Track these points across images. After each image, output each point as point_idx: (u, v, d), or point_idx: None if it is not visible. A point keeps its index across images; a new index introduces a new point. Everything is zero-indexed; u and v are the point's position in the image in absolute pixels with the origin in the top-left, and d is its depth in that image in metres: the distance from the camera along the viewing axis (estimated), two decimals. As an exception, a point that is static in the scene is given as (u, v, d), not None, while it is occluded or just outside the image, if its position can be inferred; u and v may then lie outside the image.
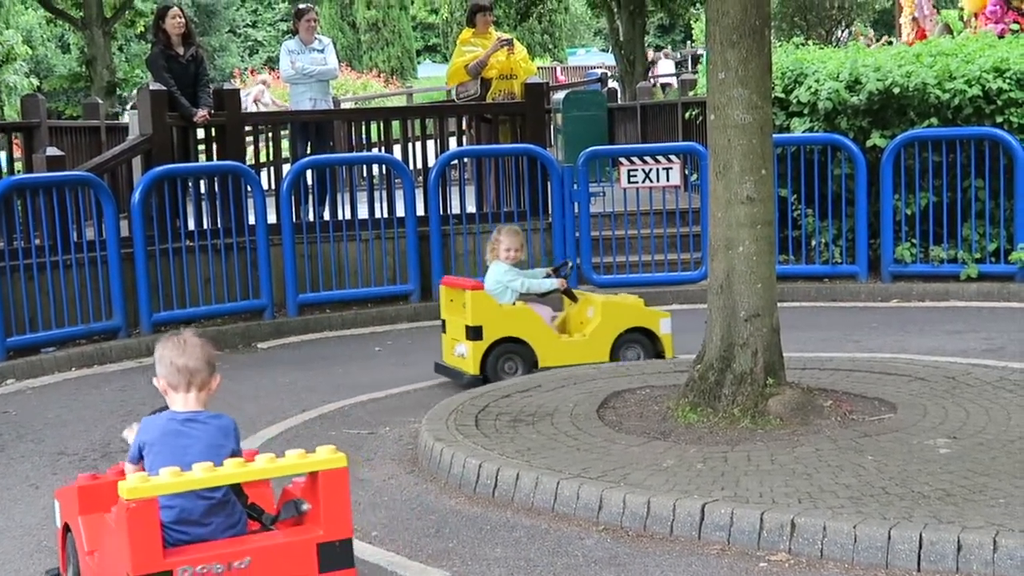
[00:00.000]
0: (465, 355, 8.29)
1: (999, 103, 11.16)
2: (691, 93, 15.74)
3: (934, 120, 11.33)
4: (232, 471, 4.22)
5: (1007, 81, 11.12)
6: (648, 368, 7.98)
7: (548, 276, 8.62)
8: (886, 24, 26.34)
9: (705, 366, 6.76)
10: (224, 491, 4.33)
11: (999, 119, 11.15)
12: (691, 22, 35.74)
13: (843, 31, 23.94)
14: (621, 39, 21.94)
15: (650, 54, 38.09)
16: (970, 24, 22.31)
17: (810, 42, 15.60)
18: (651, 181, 11.84)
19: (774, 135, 10.69)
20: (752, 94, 6.64)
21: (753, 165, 6.68)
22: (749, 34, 6.62)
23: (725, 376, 6.66)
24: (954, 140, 11.19)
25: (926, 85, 11.27)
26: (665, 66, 33.11)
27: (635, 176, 11.81)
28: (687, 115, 14.41)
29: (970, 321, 10.11)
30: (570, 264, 9.50)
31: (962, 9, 23.87)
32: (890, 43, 19.77)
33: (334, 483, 4.33)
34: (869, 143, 11.47)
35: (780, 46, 13.82)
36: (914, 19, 25.19)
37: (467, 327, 8.23)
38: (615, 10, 22.26)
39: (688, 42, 44.27)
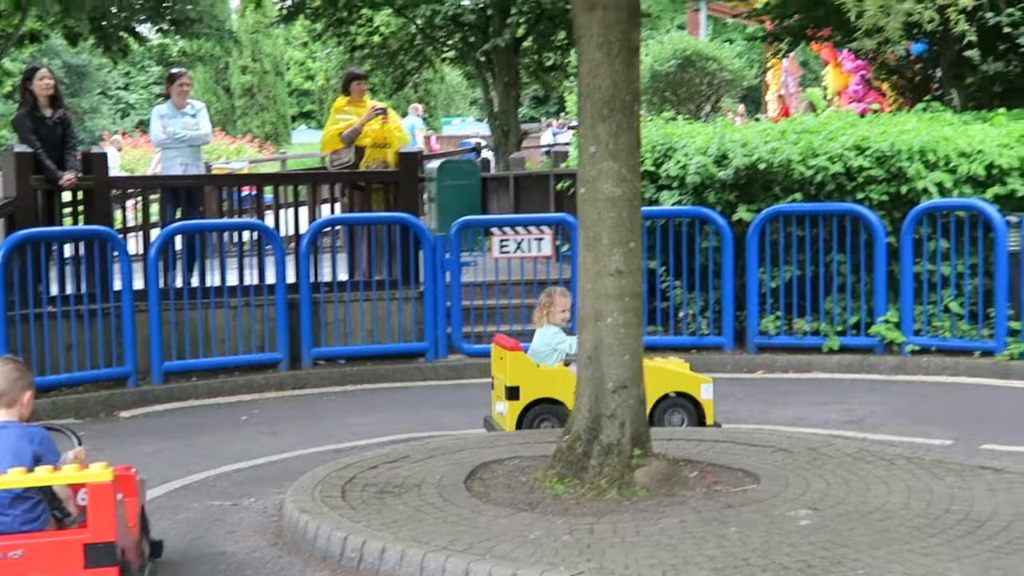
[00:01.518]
0: (504, 413, 8.49)
1: (860, 180, 11.48)
2: (563, 165, 15.92)
3: (798, 195, 11.61)
4: (11, 477, 5.03)
5: (867, 159, 11.46)
6: (518, 439, 7.98)
7: None
8: (754, 100, 27.05)
9: (573, 437, 6.79)
10: (28, 488, 5.14)
11: (860, 195, 11.47)
12: (565, 94, 36.23)
13: (712, 106, 24.49)
14: (495, 109, 22.14)
15: (552, 122, 38.55)
16: (833, 102, 23.03)
17: (680, 117, 15.93)
18: (523, 251, 11.92)
19: (644, 208, 10.83)
20: (622, 168, 6.74)
21: (622, 238, 6.76)
22: (620, 109, 6.74)
23: (592, 447, 6.69)
24: (817, 215, 11.49)
25: (791, 161, 11.56)
26: (547, 137, 33.59)
27: (507, 246, 11.88)
28: (559, 186, 14.55)
29: (832, 392, 10.33)
30: None
31: (826, 88, 24.67)
32: (757, 119, 20.30)
33: (101, 494, 5.11)
34: (736, 217, 11.71)
35: (650, 120, 14.08)
36: (780, 96, 25.96)
37: (506, 387, 8.41)
38: (490, 81, 22.49)
39: (562, 114, 44.86)
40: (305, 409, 10.27)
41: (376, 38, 23.55)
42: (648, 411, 8.29)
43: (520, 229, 11.95)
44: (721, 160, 11.84)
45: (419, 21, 22.01)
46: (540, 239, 11.90)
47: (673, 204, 11.90)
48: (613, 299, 6.73)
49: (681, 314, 11.95)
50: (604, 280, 6.74)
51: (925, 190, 11.30)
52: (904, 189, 11.39)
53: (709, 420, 8.63)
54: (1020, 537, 5.76)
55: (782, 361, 11.45)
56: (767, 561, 5.42)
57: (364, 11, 22.57)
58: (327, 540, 6.03)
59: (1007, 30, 15.07)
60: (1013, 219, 10.89)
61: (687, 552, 5.57)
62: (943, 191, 11.32)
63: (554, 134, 33.87)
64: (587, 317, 6.82)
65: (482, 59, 21.99)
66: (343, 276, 12.05)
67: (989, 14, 15.00)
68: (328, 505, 6.48)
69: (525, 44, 22.19)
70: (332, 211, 13.94)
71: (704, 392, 8.61)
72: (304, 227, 12.23)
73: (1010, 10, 15.01)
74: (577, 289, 7.10)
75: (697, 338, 11.84)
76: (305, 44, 50.73)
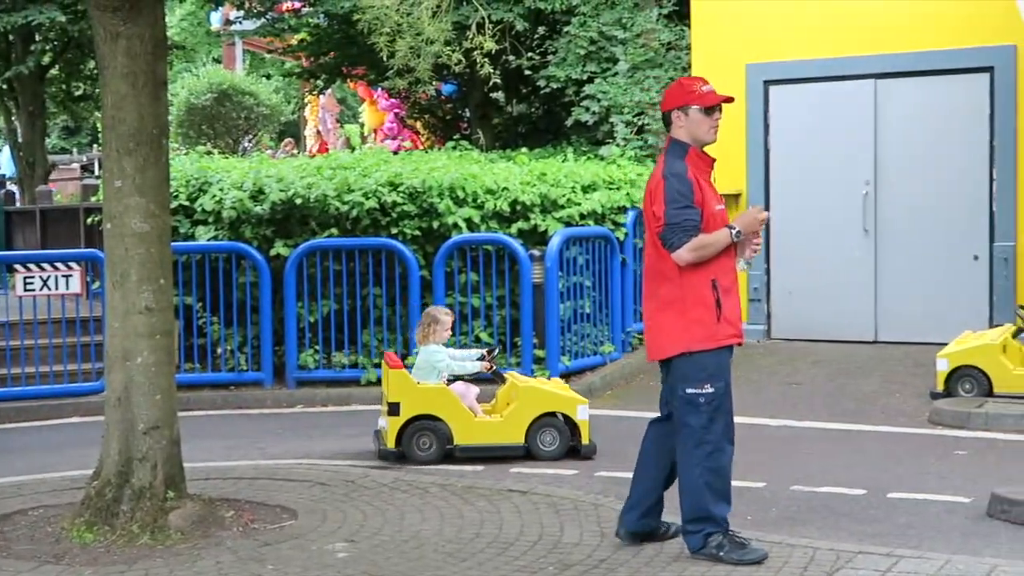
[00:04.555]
0: (385, 428, 8.78)
1: (394, 215, 11.75)
2: (93, 198, 15.33)
3: (334, 230, 11.72)
4: None
5: (400, 195, 11.74)
6: (43, 487, 7.56)
7: (482, 359, 9.03)
8: (293, 135, 27.13)
9: (102, 482, 6.51)
10: None
11: (394, 230, 11.73)
12: (97, 125, 34.94)
13: (249, 141, 24.36)
14: (20, 140, 20.99)
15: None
16: (369, 139, 23.49)
17: (216, 151, 15.74)
18: (49, 289, 11.36)
19: (179, 243, 10.61)
20: (150, 203, 6.56)
21: (151, 275, 6.58)
22: (147, 142, 6.56)
23: (123, 492, 6.45)
24: (353, 250, 11.65)
25: (327, 196, 11.66)
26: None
27: (32, 284, 11.28)
28: (89, 221, 13.99)
29: (371, 424, 10.41)
30: (496, 349, 9.72)
31: (363, 124, 25.13)
32: (294, 155, 20.38)
33: None
34: (273, 252, 11.67)
35: (185, 154, 13.80)
36: (318, 132, 26.20)
37: (387, 403, 8.70)
38: (13, 110, 21.31)
39: (95, 145, 43.21)
40: None
41: None
42: (524, 432, 8.70)
43: (47, 266, 11.37)
44: (257, 195, 11.78)
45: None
46: (68, 276, 11.37)
47: (209, 239, 11.70)
48: (143, 337, 6.53)
49: (219, 350, 11.76)
50: (133, 318, 6.53)
51: (455, 225, 11.71)
52: (436, 224, 11.76)
53: (584, 440, 8.79)
54: (544, 556, 6.05)
55: (322, 395, 11.50)
56: (303, 597, 5.41)
57: None
58: None
59: (528, 73, 15.93)
60: (536, 253, 11.48)
61: (222, 594, 5.47)
62: (472, 226, 11.78)
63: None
64: (116, 357, 6.57)
65: (3, 87, 20.80)
66: None
67: (511, 58, 15.81)
68: None
69: (52, 72, 21.21)
70: None
71: (580, 413, 8.79)
72: None
73: (530, 54, 15.89)
74: (105, 328, 6.83)
75: (236, 374, 11.70)
76: None
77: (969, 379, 10.27)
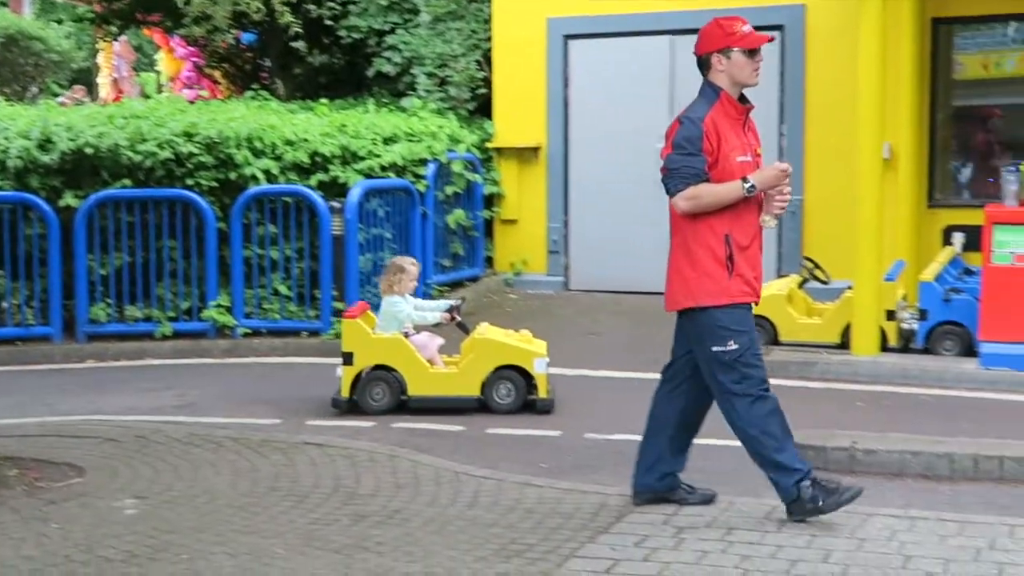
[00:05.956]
0: (340, 376, 8.71)
1: (190, 166, 11.48)
2: None
3: (127, 181, 11.39)
4: None
5: (197, 145, 11.48)
6: None
7: (451, 310, 8.90)
8: (87, 83, 26.20)
9: None
10: None
11: (190, 181, 11.46)
12: None
13: (38, 88, 23.44)
14: None
15: None
16: (166, 88, 22.88)
17: (1, 98, 15.12)
18: None
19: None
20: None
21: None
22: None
23: (-103, 451, 6.16)
24: (147, 201, 11.35)
25: (119, 146, 11.32)
26: None
27: None
28: None
29: (165, 378, 10.25)
30: (461, 300, 9.58)
31: (160, 72, 24.44)
32: (83, 103, 19.68)
33: None
34: (62, 203, 11.28)
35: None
36: (113, 80, 25.37)
37: (342, 352, 8.66)
38: None
39: None
40: None
41: None
42: (479, 384, 8.55)
43: None
44: (45, 144, 11.36)
45: None
46: None
47: (-7, 189, 11.26)
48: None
49: (4, 304, 11.34)
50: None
51: (253, 176, 11.51)
52: (233, 175, 11.54)
53: (542, 394, 8.60)
54: (339, 508, 6.03)
55: (114, 349, 11.19)
56: (89, 555, 5.27)
57: None
58: None
59: (329, 23, 15.71)
60: (336, 204, 11.37)
61: (4, 554, 5.29)
62: (270, 177, 11.60)
63: None
64: None
65: None
66: None
67: (312, 7, 15.57)
68: None
69: None
70: None
71: (537, 366, 8.60)
72: None
73: (331, 3, 15.67)
74: None
75: (23, 329, 11.30)
76: None
77: (757, 328, 10.55)
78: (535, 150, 13.90)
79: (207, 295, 11.42)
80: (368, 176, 11.96)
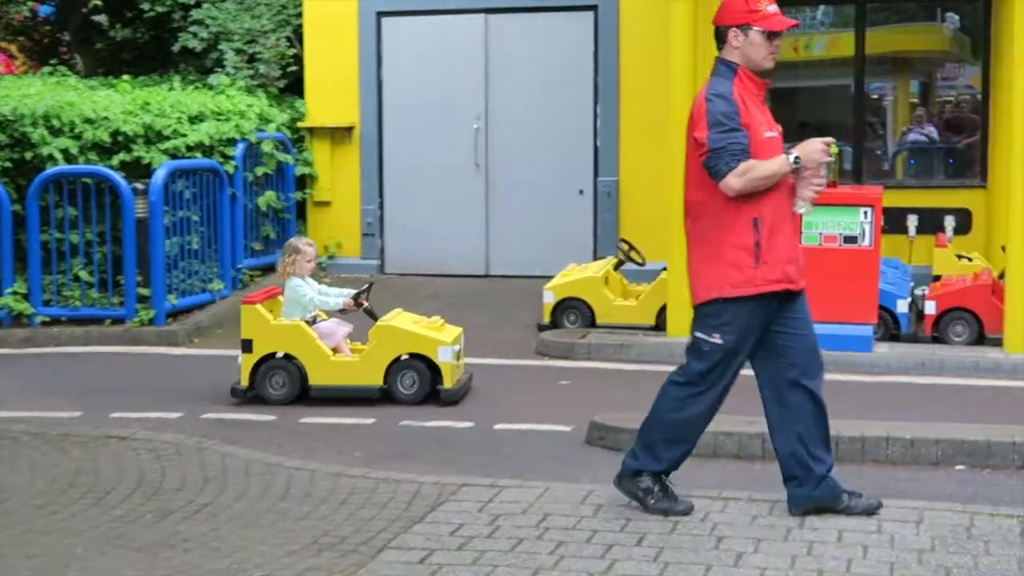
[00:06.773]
0: (239, 365, 8.39)
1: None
2: None
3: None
4: None
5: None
6: None
7: (358, 296, 8.53)
8: None
9: None
10: None
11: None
12: None
13: None
14: None
15: None
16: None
17: None
18: None
19: None
20: None
21: None
22: None
23: None
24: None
25: None
26: None
27: None
28: None
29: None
30: (369, 285, 8.95)
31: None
32: None
33: None
34: None
35: None
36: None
37: (241, 340, 8.36)
38: None
39: None
40: None
41: None
42: (383, 373, 8.17)
43: None
44: None
45: None
46: None
47: None
48: None
49: None
50: None
51: (50, 156, 11.03)
52: (29, 155, 11.05)
53: (447, 383, 8.18)
54: (143, 504, 5.78)
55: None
56: None
57: None
58: None
59: (133, -2, 15.20)
60: (140, 186, 10.97)
61: None
62: (69, 158, 11.13)
63: None
64: None
65: None
66: None
67: (114, -20, 15.03)
68: None
69: None
70: None
71: (441, 354, 8.22)
72: None
73: (136, -23, 15.15)
74: None
75: None
76: None
77: (573, 311, 10.61)
78: (348, 130, 13.65)
79: (3, 282, 10.91)
80: (174, 156, 11.58)
